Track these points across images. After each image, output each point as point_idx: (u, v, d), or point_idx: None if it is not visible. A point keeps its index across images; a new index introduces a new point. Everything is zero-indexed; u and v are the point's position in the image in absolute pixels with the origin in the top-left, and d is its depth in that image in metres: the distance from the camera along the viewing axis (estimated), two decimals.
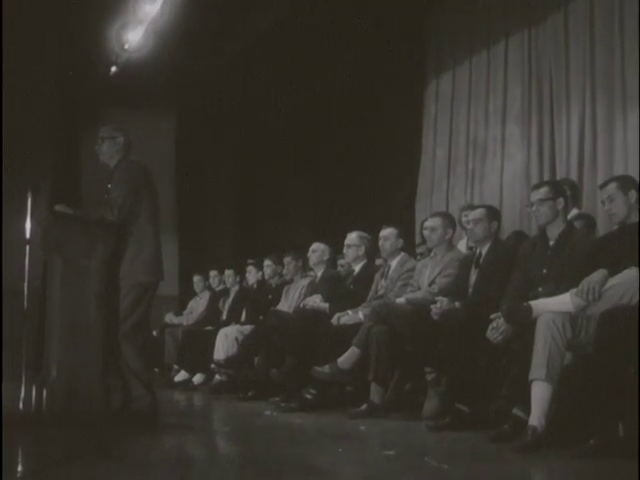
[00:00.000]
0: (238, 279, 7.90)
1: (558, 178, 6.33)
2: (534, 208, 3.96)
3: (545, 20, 7.23)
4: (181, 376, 7.31)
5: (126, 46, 7.48)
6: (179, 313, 8.72)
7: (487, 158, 7.56)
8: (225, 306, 7.86)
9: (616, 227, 3.76)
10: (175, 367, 7.56)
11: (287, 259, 6.62)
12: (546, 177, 6.67)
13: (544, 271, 3.87)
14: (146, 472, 3.02)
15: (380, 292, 5.19)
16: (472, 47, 8.04)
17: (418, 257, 5.74)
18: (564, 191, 4.08)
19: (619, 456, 3.05)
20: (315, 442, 4.02)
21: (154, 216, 4.29)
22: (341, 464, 3.33)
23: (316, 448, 3.75)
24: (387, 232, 5.33)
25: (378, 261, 5.89)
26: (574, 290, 3.40)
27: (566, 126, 6.76)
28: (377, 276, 5.34)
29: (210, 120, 9.89)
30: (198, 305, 8.40)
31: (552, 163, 6.87)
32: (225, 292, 8.06)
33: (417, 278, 4.92)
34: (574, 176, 6.42)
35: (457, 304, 4.22)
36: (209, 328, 7.34)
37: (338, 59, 8.36)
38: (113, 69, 8.14)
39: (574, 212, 5.20)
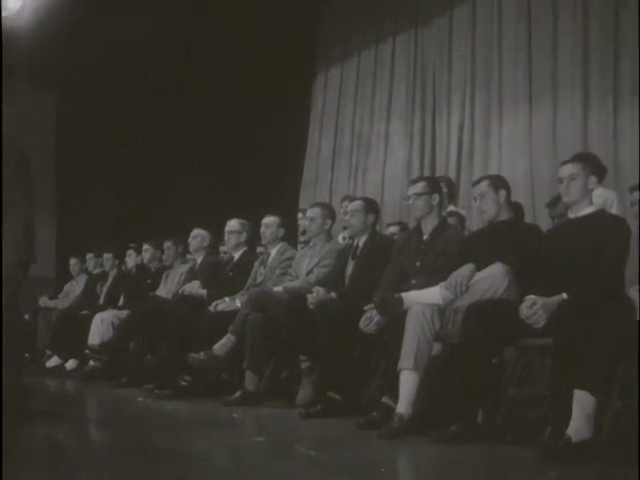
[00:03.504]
0: (117, 263, 7.73)
1: (438, 174, 6.54)
2: (410, 202, 4.07)
3: (431, 22, 7.46)
4: (53, 361, 7.08)
5: (4, 13, 7.12)
6: (54, 296, 8.42)
7: (371, 152, 7.74)
8: (103, 290, 7.66)
9: (486, 224, 3.93)
10: (48, 352, 7.31)
11: (167, 244, 6.53)
12: (426, 173, 6.90)
13: (417, 264, 3.99)
14: (15, 460, 2.91)
15: (259, 280, 5.20)
16: (361, 43, 8.19)
17: (302, 246, 5.79)
18: (440, 187, 4.20)
19: (478, 441, 3.20)
20: (187, 429, 3.99)
21: (28, 195, 4.11)
22: (211, 451, 3.32)
23: (188, 435, 3.72)
24: (269, 220, 5.35)
25: (259, 249, 5.90)
26: (443, 283, 3.53)
27: (446, 125, 7.01)
28: (256, 264, 5.35)
29: (94, 100, 9.58)
30: (74, 288, 8.15)
31: (432, 160, 7.11)
32: (103, 276, 7.86)
33: (296, 267, 4.95)
34: (452, 173, 6.66)
35: (333, 294, 4.29)
36: (85, 312, 7.13)
37: (227, 47, 8.28)
38: None
39: (450, 208, 5.40)
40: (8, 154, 4.06)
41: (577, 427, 2.84)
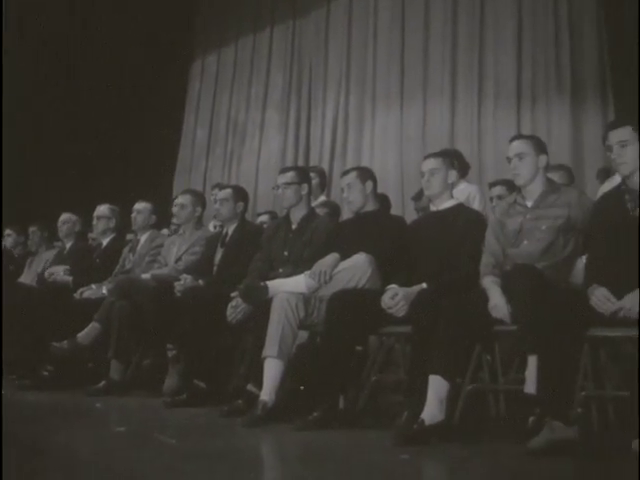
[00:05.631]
0: None
1: (311, 165, 6.62)
2: (280, 191, 4.10)
3: (309, 13, 7.52)
4: None
5: None
6: None
7: (246, 141, 7.75)
8: None
9: (352, 214, 4.01)
10: None
11: (32, 229, 6.29)
12: (301, 163, 6.98)
13: (285, 253, 4.03)
14: None
15: (127, 267, 5.11)
16: (239, 31, 8.16)
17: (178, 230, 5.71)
18: (309, 177, 4.24)
19: (339, 426, 3.28)
20: (48, 420, 3.86)
21: None
22: (71, 442, 3.23)
23: (48, 426, 3.61)
24: (141, 206, 5.27)
25: (129, 236, 5.78)
26: (308, 272, 3.58)
27: (321, 116, 7.11)
28: (125, 250, 5.26)
29: None
30: None
31: (307, 150, 7.20)
32: None
33: (165, 255, 4.90)
34: (326, 164, 6.77)
35: (201, 282, 4.27)
36: None
37: (102, 30, 8.03)
38: None
39: (321, 198, 5.47)
40: None
41: (431, 410, 2.96)
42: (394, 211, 5.13)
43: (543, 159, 3.36)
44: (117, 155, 8.19)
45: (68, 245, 5.98)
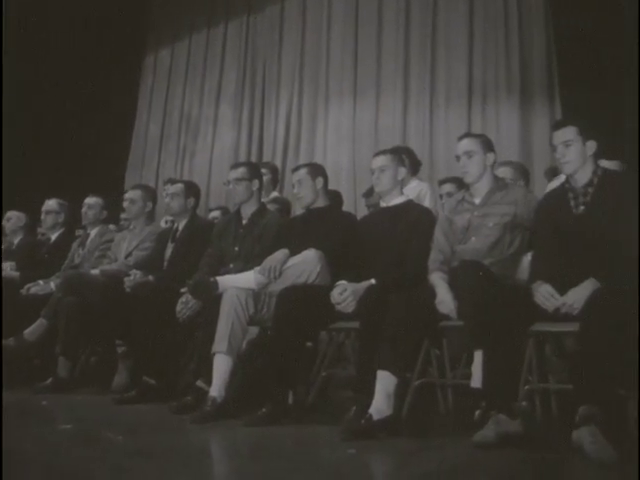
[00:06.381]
0: None
1: (264, 161, 6.61)
2: (231, 186, 4.09)
3: (264, 10, 7.50)
4: None
5: None
6: None
7: (199, 136, 7.71)
8: None
9: (303, 210, 4.02)
10: None
11: None
12: (254, 159, 6.96)
13: (236, 249, 4.02)
14: None
15: (77, 262, 5.04)
16: (192, 26, 8.10)
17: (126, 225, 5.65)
18: (260, 173, 4.24)
19: (288, 422, 3.28)
20: None
21: None
22: (16, 440, 3.16)
23: None
24: (92, 201, 5.22)
25: (79, 232, 5.70)
26: (258, 268, 3.58)
27: (275, 112, 7.10)
28: (74, 245, 5.18)
29: None
30: None
31: (260, 146, 7.19)
32: None
33: (115, 250, 4.84)
34: (279, 160, 6.76)
35: (151, 277, 4.23)
36: None
37: (52, 22, 7.88)
38: None
39: (274, 194, 5.47)
40: None
41: (379, 405, 2.98)
42: (347, 207, 5.16)
43: (491, 157, 3.41)
44: (69, 149, 8.04)
45: (16, 241, 5.88)
